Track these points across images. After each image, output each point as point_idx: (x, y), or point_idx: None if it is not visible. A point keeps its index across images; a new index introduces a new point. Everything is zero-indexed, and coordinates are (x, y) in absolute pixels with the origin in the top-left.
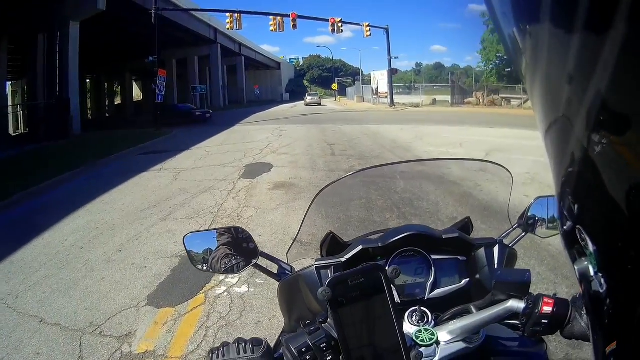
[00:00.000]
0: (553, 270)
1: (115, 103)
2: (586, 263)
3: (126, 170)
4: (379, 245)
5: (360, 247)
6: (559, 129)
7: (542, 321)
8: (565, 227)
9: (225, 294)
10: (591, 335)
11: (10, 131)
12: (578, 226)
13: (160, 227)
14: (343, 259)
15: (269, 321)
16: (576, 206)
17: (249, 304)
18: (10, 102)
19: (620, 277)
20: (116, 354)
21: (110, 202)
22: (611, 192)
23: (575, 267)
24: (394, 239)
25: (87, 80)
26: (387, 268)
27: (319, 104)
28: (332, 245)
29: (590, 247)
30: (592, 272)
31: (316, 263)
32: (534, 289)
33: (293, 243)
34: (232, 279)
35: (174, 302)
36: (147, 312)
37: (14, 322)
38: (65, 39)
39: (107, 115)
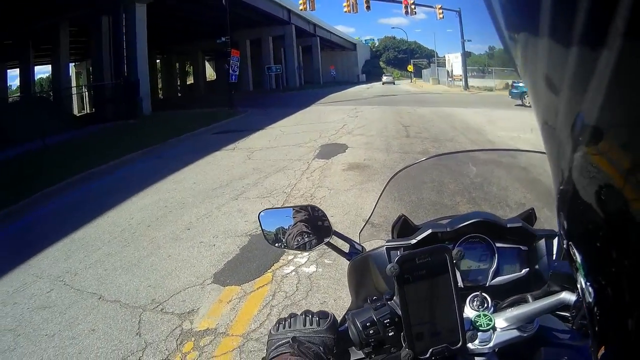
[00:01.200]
0: None
1: (188, 83)
2: (579, 277)
3: (198, 149)
4: (447, 229)
5: (429, 231)
6: (551, 139)
7: None
8: (565, 246)
9: (293, 273)
10: (592, 343)
11: (75, 111)
12: (569, 242)
13: (231, 206)
14: (413, 241)
15: (334, 302)
16: (565, 222)
17: (316, 284)
18: (74, 83)
19: (605, 281)
20: (176, 330)
21: (181, 180)
22: (586, 197)
23: (578, 284)
24: (462, 225)
25: (158, 61)
26: (454, 250)
27: (393, 84)
28: (403, 227)
29: (578, 259)
30: (583, 284)
31: (387, 244)
32: None
33: (365, 224)
34: (301, 258)
35: (241, 281)
36: (212, 289)
37: (70, 300)
38: (132, 20)
39: (179, 95)
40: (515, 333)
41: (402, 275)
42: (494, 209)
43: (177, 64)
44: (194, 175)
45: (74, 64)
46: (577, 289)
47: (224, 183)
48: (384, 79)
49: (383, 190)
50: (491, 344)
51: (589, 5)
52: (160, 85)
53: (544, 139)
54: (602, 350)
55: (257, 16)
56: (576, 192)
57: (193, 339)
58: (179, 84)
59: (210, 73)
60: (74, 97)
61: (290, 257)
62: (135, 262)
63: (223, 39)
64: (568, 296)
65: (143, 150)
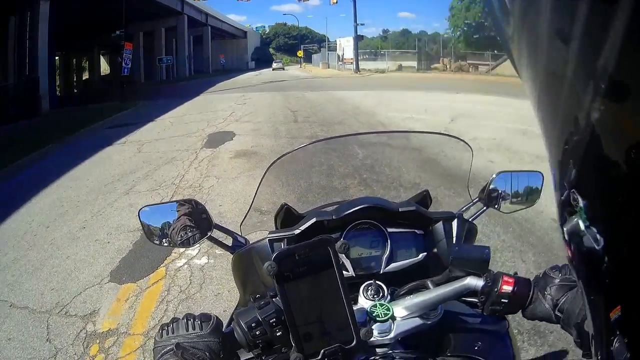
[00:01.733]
0: (518, 237)
1: (84, 78)
2: (576, 219)
3: (92, 146)
4: (333, 217)
5: (314, 220)
6: (552, 93)
7: (502, 300)
8: (562, 197)
9: (186, 266)
10: (587, 303)
11: None
12: (572, 190)
13: (122, 202)
14: (296, 231)
15: (228, 293)
16: (574, 172)
17: (209, 276)
18: None
19: (619, 229)
20: (81, 333)
21: (77, 178)
22: (607, 151)
23: (564, 229)
24: (348, 212)
25: (57, 58)
26: (337, 242)
27: (283, 69)
28: (286, 217)
29: (581, 203)
30: (582, 227)
31: (269, 235)
32: (498, 256)
33: (246, 215)
34: (192, 251)
35: (136, 277)
36: (110, 288)
37: None
38: (35, 18)
39: (76, 90)
40: (417, 321)
41: (281, 273)
42: (387, 189)
43: (74, 60)
44: (88, 172)
45: None
46: (489, 272)
47: (115, 178)
48: (274, 65)
49: (262, 178)
50: (392, 334)
51: None
52: (58, 83)
53: (547, 90)
54: (616, 312)
55: (152, 8)
56: (599, 146)
57: (98, 340)
58: (75, 80)
59: (104, 67)
60: None
61: (181, 250)
62: (39, 265)
63: (118, 32)
64: (474, 281)
65: (44, 149)
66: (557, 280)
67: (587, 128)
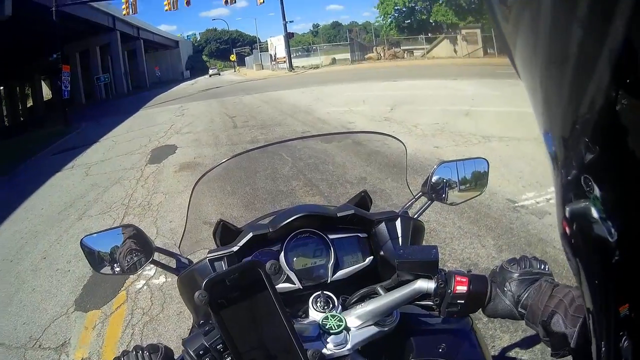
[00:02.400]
0: (475, 222)
1: (28, 105)
2: (586, 204)
3: (41, 173)
4: (270, 230)
5: (250, 235)
6: (575, 72)
7: (458, 301)
8: (568, 177)
9: (145, 287)
10: (590, 298)
11: None
12: (585, 175)
13: (77, 227)
14: (235, 248)
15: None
16: (588, 154)
17: (169, 295)
18: None
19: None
20: None
21: (31, 208)
22: (633, 141)
23: (567, 208)
24: (284, 223)
25: (1, 88)
26: (267, 263)
27: (219, 74)
28: (224, 233)
29: (596, 190)
30: (595, 215)
31: (209, 255)
32: (456, 244)
33: (182, 237)
34: (149, 271)
35: (99, 304)
36: (77, 317)
37: None
38: None
39: (22, 119)
40: (373, 329)
41: (214, 300)
42: (333, 187)
43: (18, 88)
44: (41, 200)
45: None
46: (441, 273)
47: (67, 204)
48: (210, 72)
49: (189, 202)
50: (349, 346)
51: None
52: (5, 113)
53: (574, 76)
54: (624, 309)
55: (85, 27)
56: (624, 131)
57: None
58: (20, 108)
59: (47, 92)
60: None
61: (139, 271)
62: (8, 300)
63: (55, 55)
64: (425, 284)
65: None
66: (516, 275)
67: (607, 111)
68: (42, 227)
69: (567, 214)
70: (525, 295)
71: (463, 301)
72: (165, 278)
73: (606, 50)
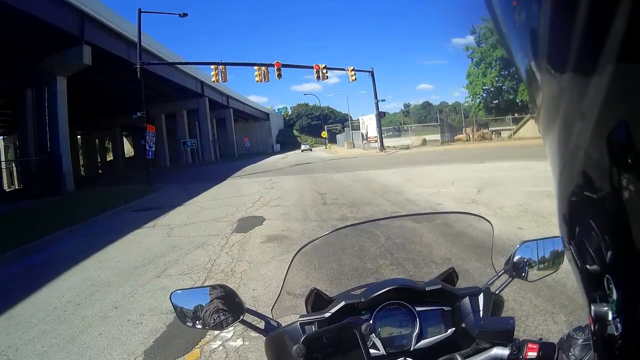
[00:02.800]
0: (550, 300)
1: (107, 159)
2: (606, 309)
3: (120, 228)
4: (362, 300)
5: (342, 303)
6: (573, 159)
7: None
8: (589, 268)
9: (221, 348)
10: None
11: (5, 187)
12: (607, 275)
13: (154, 284)
14: (327, 315)
15: None
16: (609, 253)
17: (244, 357)
18: (2, 157)
19: (637, 320)
20: None
21: (105, 259)
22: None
23: (593, 308)
24: (375, 294)
25: (79, 137)
26: (363, 325)
27: (311, 150)
28: (316, 301)
29: (615, 295)
30: (610, 317)
31: (300, 319)
32: (531, 321)
33: (277, 300)
34: (227, 333)
35: (170, 357)
36: None
37: None
38: (53, 94)
39: (100, 171)
40: None
41: (310, 355)
42: (419, 266)
43: (97, 140)
44: (117, 253)
45: (2, 137)
46: (514, 341)
47: (146, 261)
48: (303, 147)
49: (288, 268)
50: None
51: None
52: (82, 162)
53: (571, 163)
54: None
55: (172, 89)
56: (630, 231)
57: None
58: (99, 160)
59: (128, 149)
60: (3, 172)
61: (216, 333)
62: (70, 339)
63: (139, 114)
64: (500, 351)
65: (69, 228)
66: (580, 341)
67: (617, 205)
68: (116, 279)
69: (592, 314)
70: (587, 359)
71: None
72: (243, 341)
73: (603, 130)
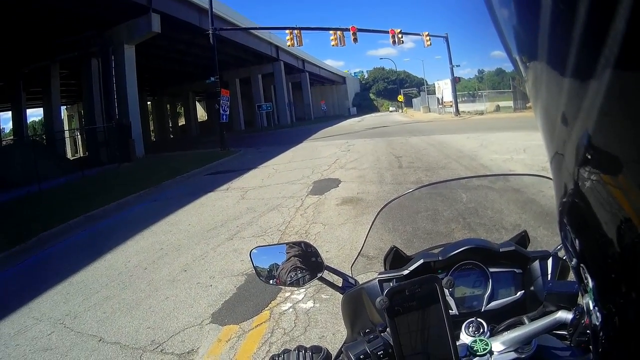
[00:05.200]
0: None
1: (179, 124)
2: (587, 300)
3: (192, 191)
4: (439, 258)
5: (421, 261)
6: (555, 161)
7: (588, 332)
8: (572, 264)
9: (291, 310)
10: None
11: (69, 155)
12: (581, 265)
13: (226, 246)
14: (405, 272)
15: (332, 335)
16: (577, 241)
17: (314, 319)
18: (66, 127)
19: (614, 310)
20: None
21: (176, 222)
22: (605, 228)
23: (584, 301)
24: (453, 253)
25: (149, 103)
26: (444, 279)
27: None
28: (395, 258)
29: (590, 284)
30: (591, 307)
31: (379, 276)
32: None
33: (357, 257)
34: (298, 295)
35: (239, 319)
36: (211, 329)
37: (71, 342)
38: (121, 62)
39: (172, 136)
40: (512, 355)
41: (392, 307)
42: (490, 232)
43: (169, 106)
44: (188, 217)
45: (65, 107)
46: (578, 306)
47: (218, 224)
48: (391, 109)
49: (372, 224)
50: None
51: (581, 39)
52: (152, 128)
53: (554, 167)
54: None
55: (246, 54)
56: (596, 221)
57: None
58: (170, 125)
59: (201, 113)
60: (67, 141)
61: (287, 295)
62: (134, 304)
63: (212, 78)
64: (564, 315)
65: (138, 193)
66: None
67: (579, 195)
68: (187, 242)
69: (584, 309)
70: None
71: None
72: (313, 303)
73: (573, 142)
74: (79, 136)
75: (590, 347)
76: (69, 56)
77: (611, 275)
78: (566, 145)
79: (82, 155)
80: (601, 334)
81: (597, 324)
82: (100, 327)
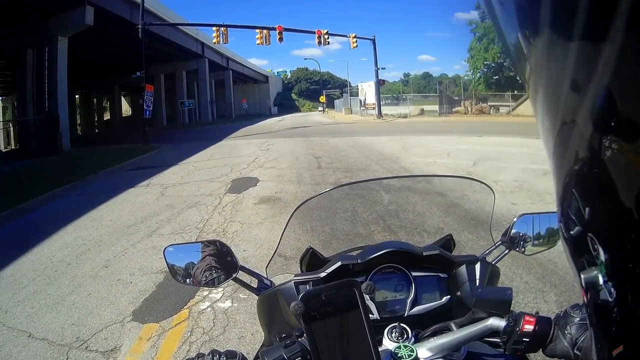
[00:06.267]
0: (541, 278)
1: (105, 118)
2: (595, 272)
3: (114, 187)
4: (358, 261)
5: (339, 264)
6: (565, 132)
7: (523, 339)
8: (572, 232)
9: (209, 309)
10: (594, 344)
11: (2, 147)
12: (589, 234)
13: (146, 243)
14: (322, 275)
15: (251, 336)
16: (587, 210)
17: (233, 319)
18: (0, 118)
19: (630, 283)
20: None
21: (98, 218)
22: (622, 196)
23: (582, 276)
24: (373, 256)
25: (77, 96)
26: (363, 284)
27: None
28: (311, 260)
29: (602, 256)
30: (601, 281)
31: (295, 278)
32: (521, 298)
33: (272, 258)
34: (216, 294)
35: (159, 318)
36: (132, 327)
37: (4, 337)
38: (54, 54)
39: (97, 131)
40: None
41: (308, 313)
42: (411, 235)
43: (95, 100)
44: (110, 212)
45: (1, 98)
46: (512, 313)
47: (138, 220)
48: (320, 108)
49: (287, 224)
50: None
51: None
52: (79, 121)
53: (561, 137)
54: (619, 349)
55: (172, 50)
56: (612, 186)
57: None
58: (96, 119)
59: (126, 108)
60: (1, 132)
61: (205, 293)
62: (59, 300)
63: (138, 73)
64: (497, 322)
65: (63, 187)
66: (577, 319)
67: (598, 164)
68: (108, 238)
69: (582, 283)
70: (582, 339)
71: (528, 340)
72: (232, 303)
73: (588, 98)
74: (12, 128)
75: (526, 355)
76: (6, 47)
77: (627, 247)
78: (578, 112)
79: (14, 147)
80: (615, 309)
81: (610, 300)
82: (29, 322)
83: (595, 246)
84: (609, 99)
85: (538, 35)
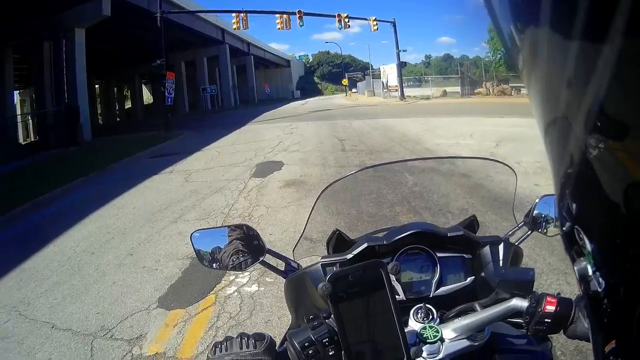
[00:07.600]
0: (564, 260)
1: (126, 107)
2: (585, 263)
3: (137, 174)
4: (384, 242)
5: (365, 245)
6: (557, 129)
7: (545, 320)
8: (564, 228)
9: (236, 293)
10: (591, 335)
11: (20, 140)
12: (576, 226)
13: (171, 229)
14: (349, 256)
15: (278, 319)
16: (574, 205)
17: (259, 303)
18: (18, 111)
19: (619, 275)
20: (127, 356)
21: (122, 206)
22: (609, 192)
23: (575, 268)
24: (399, 237)
25: (97, 86)
26: (389, 264)
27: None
28: (338, 242)
29: (588, 246)
30: (590, 272)
31: (322, 260)
32: (544, 279)
33: (299, 240)
34: (242, 278)
35: (185, 304)
36: (158, 314)
37: (26, 329)
38: (71, 46)
39: (118, 119)
40: (465, 343)
41: (335, 293)
42: (436, 216)
43: (115, 89)
44: (134, 200)
45: (18, 91)
46: (534, 294)
47: (163, 207)
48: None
49: (313, 207)
50: (440, 356)
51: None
52: (99, 111)
53: (556, 132)
54: (611, 345)
55: (192, 37)
56: (598, 183)
57: None
58: (117, 108)
59: (147, 97)
60: (19, 125)
61: (231, 278)
62: (83, 290)
63: (159, 61)
64: (519, 303)
65: (85, 177)
66: None
67: (585, 163)
68: (132, 225)
69: (576, 275)
70: None
71: (550, 321)
72: (258, 287)
73: (582, 109)
74: (30, 120)
75: (549, 335)
76: (21, 40)
77: (617, 239)
78: (572, 109)
79: (33, 139)
80: (605, 301)
81: (600, 290)
82: (53, 313)
83: (581, 236)
84: (602, 99)
85: (533, 29)
